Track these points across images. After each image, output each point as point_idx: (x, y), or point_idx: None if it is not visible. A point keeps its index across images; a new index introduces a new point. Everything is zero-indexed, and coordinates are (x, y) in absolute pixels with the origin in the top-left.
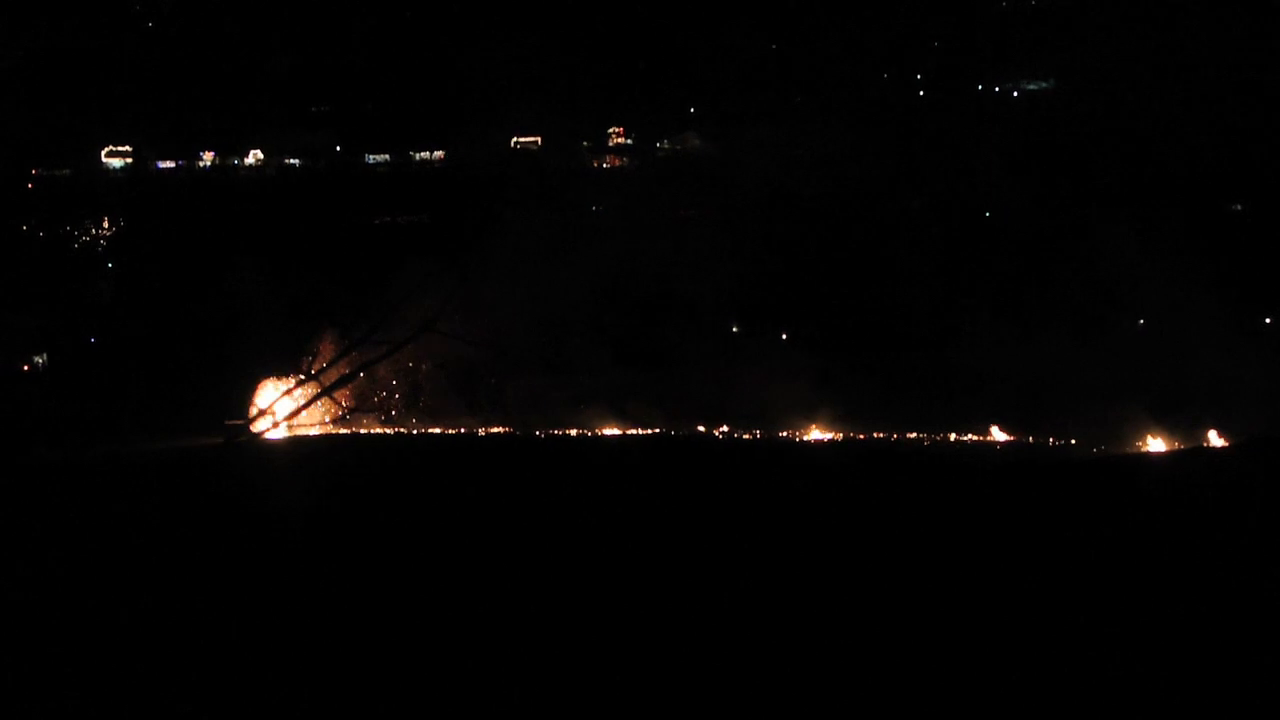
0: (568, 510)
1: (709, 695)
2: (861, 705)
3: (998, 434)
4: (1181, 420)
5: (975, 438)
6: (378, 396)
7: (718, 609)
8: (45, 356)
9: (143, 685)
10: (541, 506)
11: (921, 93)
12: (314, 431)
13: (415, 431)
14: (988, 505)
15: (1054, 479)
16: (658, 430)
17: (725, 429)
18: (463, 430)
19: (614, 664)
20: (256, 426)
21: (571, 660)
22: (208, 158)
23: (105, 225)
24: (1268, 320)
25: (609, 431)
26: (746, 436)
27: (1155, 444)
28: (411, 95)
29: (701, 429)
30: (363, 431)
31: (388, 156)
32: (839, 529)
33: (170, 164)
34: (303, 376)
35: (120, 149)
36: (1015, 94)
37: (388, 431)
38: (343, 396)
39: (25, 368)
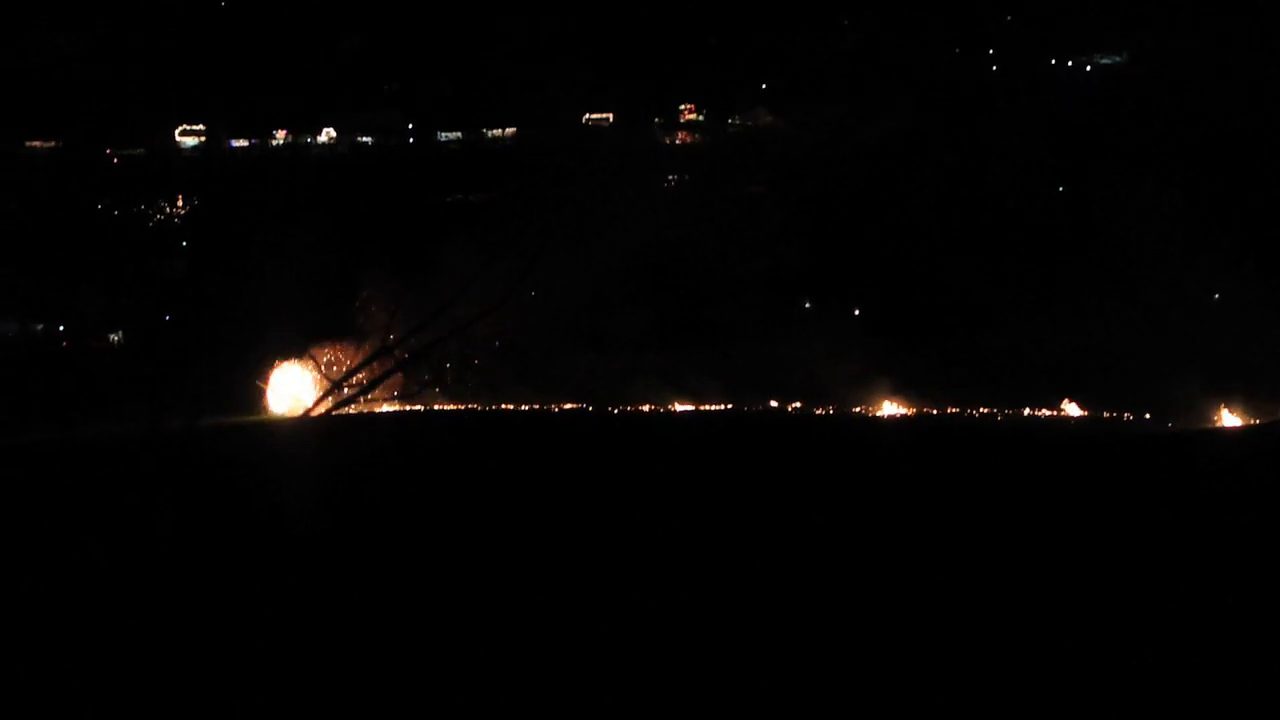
0: (657, 488)
1: (811, 658)
2: (966, 669)
3: (1070, 409)
4: (1249, 395)
5: (1048, 413)
6: (435, 374)
7: (813, 582)
8: (120, 334)
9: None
10: (639, 484)
11: (994, 67)
12: (386, 408)
13: (488, 408)
14: (1069, 481)
15: (1132, 454)
16: (730, 406)
17: (798, 405)
18: (537, 407)
19: (710, 633)
20: (328, 402)
21: (670, 629)
22: (280, 136)
23: (179, 204)
24: None
25: (682, 408)
26: (820, 412)
27: (1229, 419)
28: (482, 73)
29: (774, 404)
30: (441, 408)
31: (459, 134)
32: (922, 504)
33: (243, 142)
34: (382, 350)
35: (194, 128)
36: (1087, 68)
37: (461, 408)
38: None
39: (100, 345)
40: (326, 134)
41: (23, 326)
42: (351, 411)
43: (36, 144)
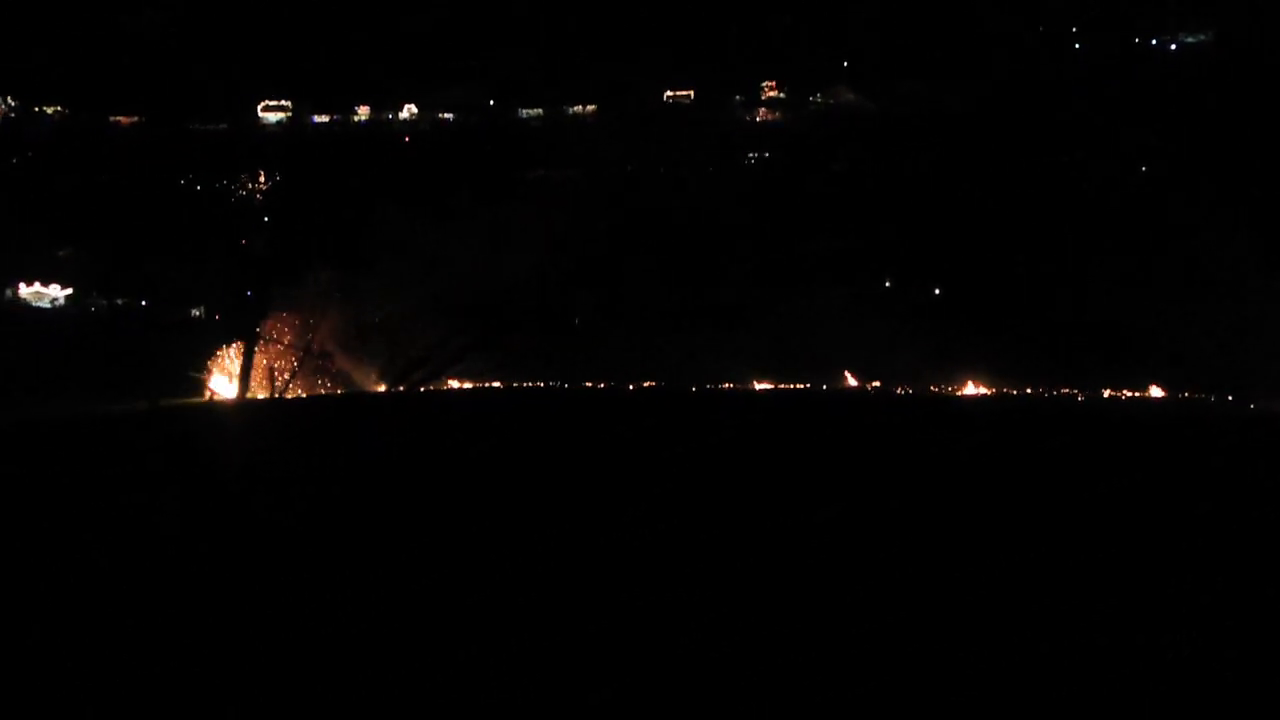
0: (737, 465)
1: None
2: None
3: (1156, 391)
4: None
5: (1132, 393)
6: (521, 349)
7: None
8: (203, 309)
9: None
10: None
11: (1077, 45)
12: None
13: (568, 385)
14: (1153, 462)
15: (1216, 435)
16: (808, 385)
17: (877, 384)
18: (616, 385)
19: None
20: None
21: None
22: (362, 112)
23: (261, 179)
24: None
25: (761, 386)
26: (900, 391)
27: None
28: (564, 49)
29: (853, 382)
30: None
31: (540, 110)
32: (1003, 484)
33: (325, 118)
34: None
35: (276, 103)
36: (1173, 46)
37: (540, 385)
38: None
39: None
40: (408, 110)
41: (104, 299)
42: (456, 386)
43: (121, 120)
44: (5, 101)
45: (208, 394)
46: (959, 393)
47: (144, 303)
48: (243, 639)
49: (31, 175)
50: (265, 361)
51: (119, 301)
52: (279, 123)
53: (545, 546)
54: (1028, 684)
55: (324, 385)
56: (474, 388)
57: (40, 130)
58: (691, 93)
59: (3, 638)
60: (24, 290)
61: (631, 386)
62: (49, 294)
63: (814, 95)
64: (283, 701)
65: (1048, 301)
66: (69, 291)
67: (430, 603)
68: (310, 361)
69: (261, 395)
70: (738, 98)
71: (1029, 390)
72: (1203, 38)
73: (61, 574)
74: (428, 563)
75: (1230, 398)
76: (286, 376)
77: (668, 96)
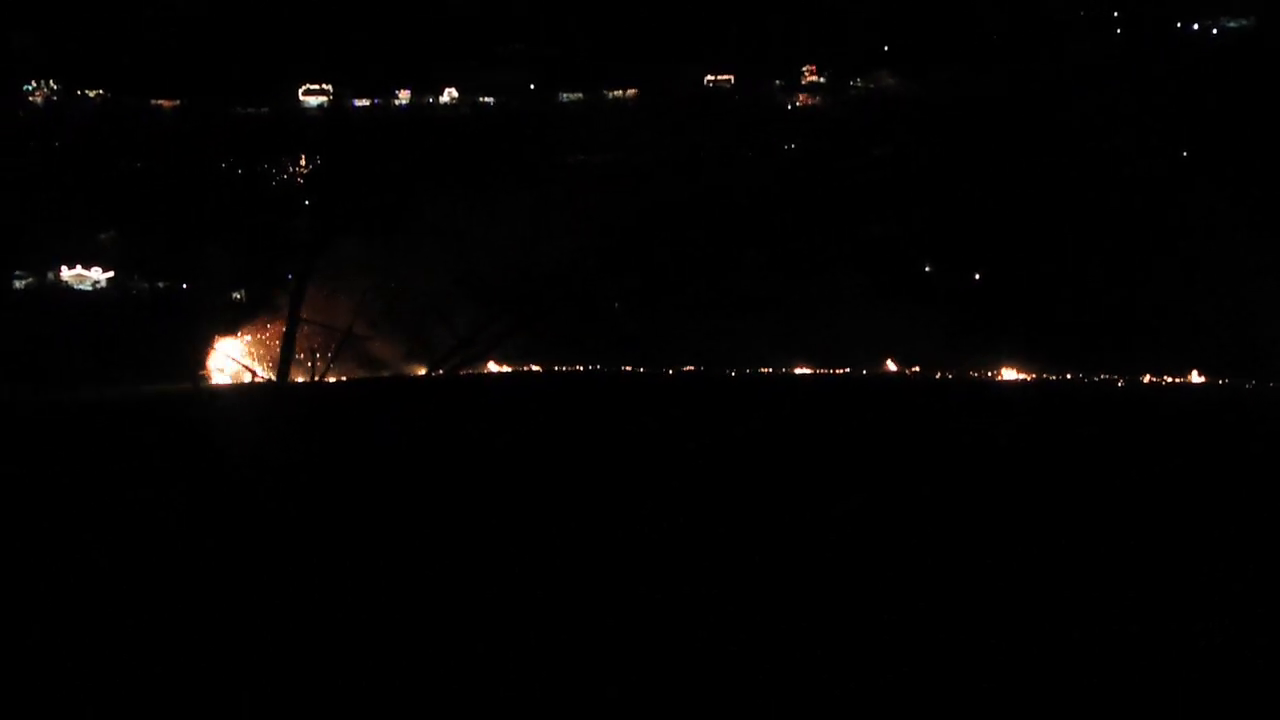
0: (779, 449)
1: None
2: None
3: (1196, 377)
4: None
5: (1173, 379)
6: (559, 333)
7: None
8: (243, 292)
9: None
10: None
11: (1117, 30)
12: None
13: (608, 368)
14: (1201, 449)
15: (1271, 423)
16: (848, 370)
17: (916, 369)
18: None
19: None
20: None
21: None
22: (403, 95)
23: (302, 163)
24: None
25: (801, 371)
26: (938, 376)
27: None
28: (605, 32)
29: (892, 367)
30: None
31: (581, 94)
32: (1044, 468)
33: (365, 102)
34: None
35: (317, 87)
36: (1214, 31)
37: (582, 369)
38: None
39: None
40: (449, 94)
41: (145, 282)
42: (498, 369)
43: (163, 103)
44: (47, 85)
45: (249, 376)
46: (999, 378)
47: (184, 285)
48: (288, 612)
49: (73, 159)
50: (306, 344)
51: (160, 284)
52: (319, 106)
53: (583, 532)
54: (1074, 668)
55: (363, 368)
56: (513, 372)
57: (82, 114)
58: (732, 77)
59: (47, 608)
60: (65, 273)
61: (670, 371)
62: (90, 276)
63: (854, 80)
64: (321, 674)
65: (1088, 286)
66: (110, 274)
67: (469, 586)
68: (349, 344)
69: (301, 378)
70: (778, 82)
71: (1069, 375)
72: (1244, 23)
73: (99, 553)
74: (468, 546)
75: (1273, 384)
76: (326, 359)
77: (708, 80)
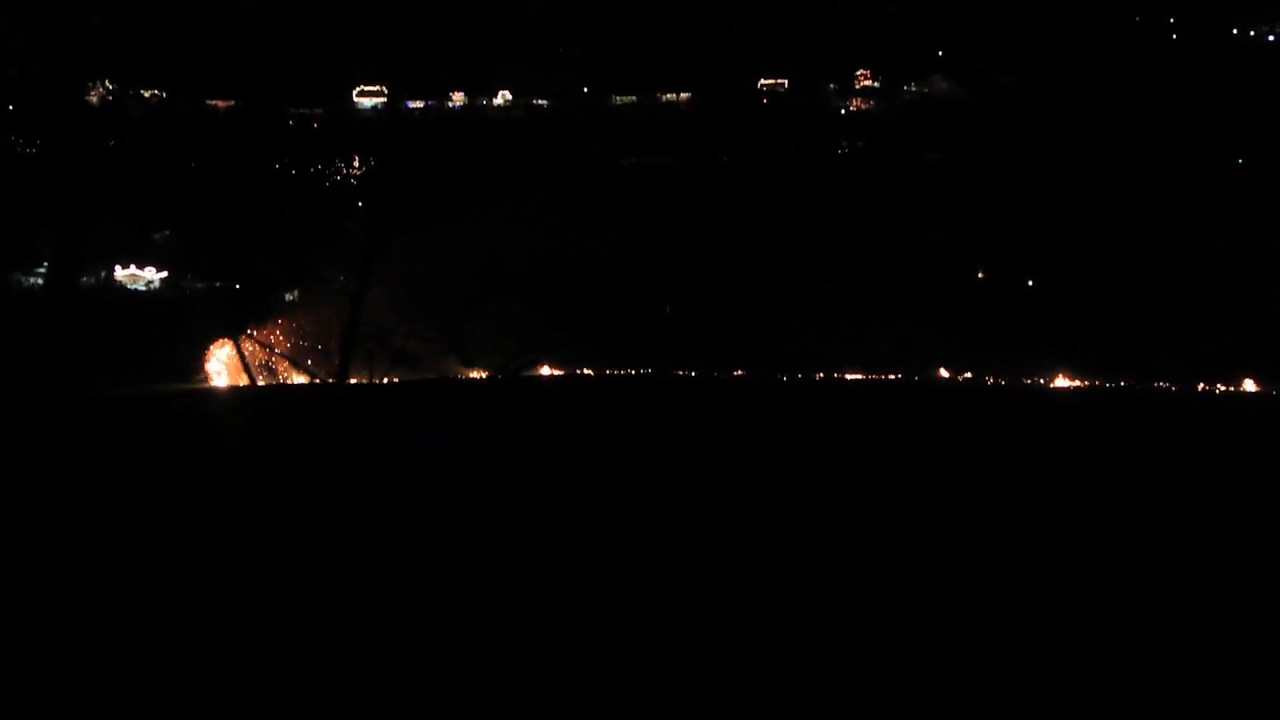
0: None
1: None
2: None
3: (1249, 385)
4: None
5: (1226, 387)
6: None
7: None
8: (296, 293)
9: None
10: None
11: (1174, 36)
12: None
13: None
14: (1254, 458)
15: None
16: (899, 375)
17: (969, 375)
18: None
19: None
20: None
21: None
22: (457, 98)
23: (356, 164)
24: None
25: (852, 376)
26: (990, 383)
27: None
28: (658, 36)
29: (945, 374)
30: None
31: (634, 98)
32: (1093, 477)
33: (419, 104)
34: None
35: (371, 89)
36: (1271, 37)
37: (636, 372)
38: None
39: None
40: (502, 96)
41: (199, 282)
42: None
43: (217, 103)
44: (103, 85)
45: (305, 378)
46: (1051, 385)
47: (238, 286)
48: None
49: (129, 159)
50: (362, 346)
51: (214, 284)
52: (374, 108)
53: (632, 535)
54: (1114, 676)
55: (420, 370)
56: (566, 375)
57: (137, 114)
58: (786, 81)
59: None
60: (119, 272)
61: (721, 375)
62: (144, 276)
63: (908, 84)
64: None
65: (1143, 293)
66: (164, 274)
67: (517, 584)
68: (405, 346)
69: (355, 380)
70: (831, 86)
71: (1122, 383)
72: None
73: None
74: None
75: None
76: (383, 361)
77: (761, 84)
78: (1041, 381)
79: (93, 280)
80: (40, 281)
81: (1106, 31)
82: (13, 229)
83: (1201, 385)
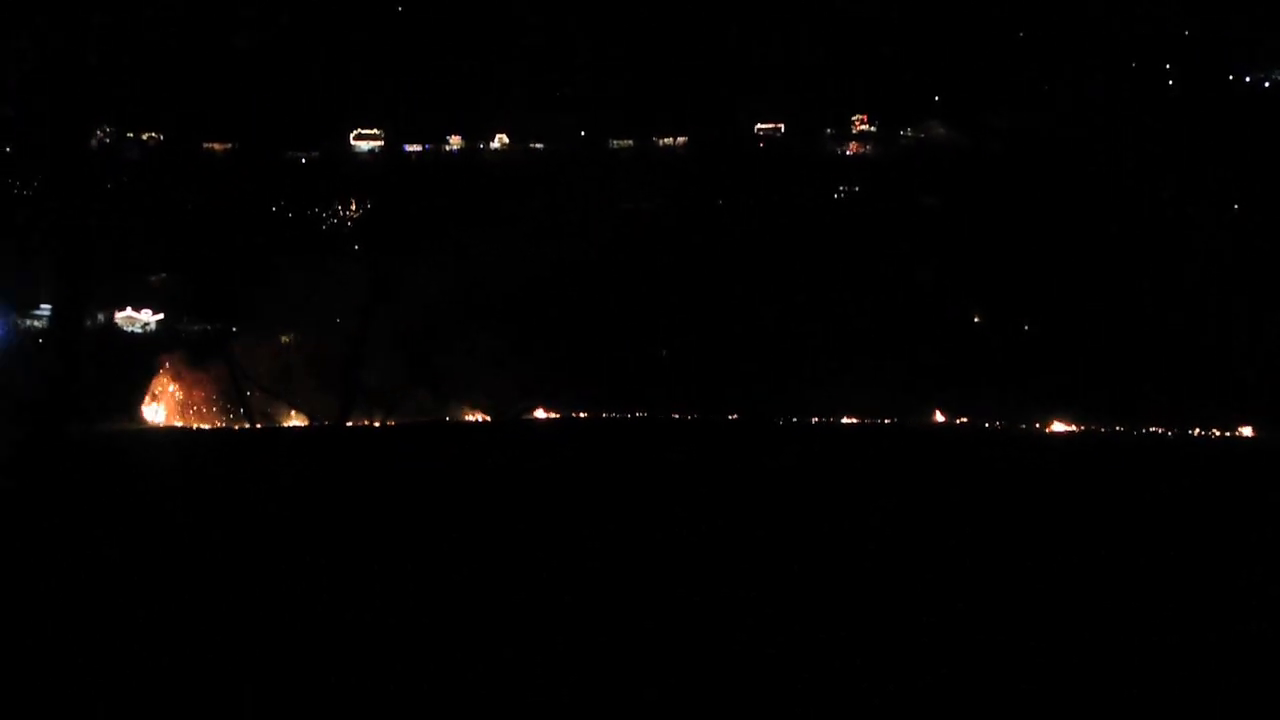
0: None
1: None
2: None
3: (1246, 430)
4: None
5: (1220, 433)
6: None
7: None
8: (294, 335)
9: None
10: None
11: (1170, 82)
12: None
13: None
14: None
15: None
16: (894, 420)
17: (964, 419)
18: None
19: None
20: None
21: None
22: (454, 141)
23: (352, 207)
24: None
25: (848, 420)
26: (986, 426)
27: None
28: (655, 80)
29: (940, 417)
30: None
31: (630, 141)
32: (1097, 524)
33: (417, 147)
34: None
35: (368, 132)
36: (1266, 84)
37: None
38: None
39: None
40: (499, 139)
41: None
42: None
43: (214, 146)
44: (101, 128)
45: (302, 419)
46: (1047, 430)
47: (233, 328)
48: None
49: (125, 201)
50: (364, 386)
51: (209, 326)
52: (371, 151)
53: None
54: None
55: (422, 413)
56: (562, 418)
57: (134, 156)
58: (782, 125)
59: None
60: (117, 315)
61: (717, 418)
62: (140, 318)
63: (904, 129)
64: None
65: (1138, 338)
66: (160, 316)
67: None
68: (407, 389)
69: (356, 422)
70: (828, 130)
71: (1118, 428)
72: None
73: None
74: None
75: None
76: (384, 403)
77: (758, 129)
78: (1038, 426)
79: (91, 322)
80: (37, 324)
81: (1103, 75)
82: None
83: (1197, 430)
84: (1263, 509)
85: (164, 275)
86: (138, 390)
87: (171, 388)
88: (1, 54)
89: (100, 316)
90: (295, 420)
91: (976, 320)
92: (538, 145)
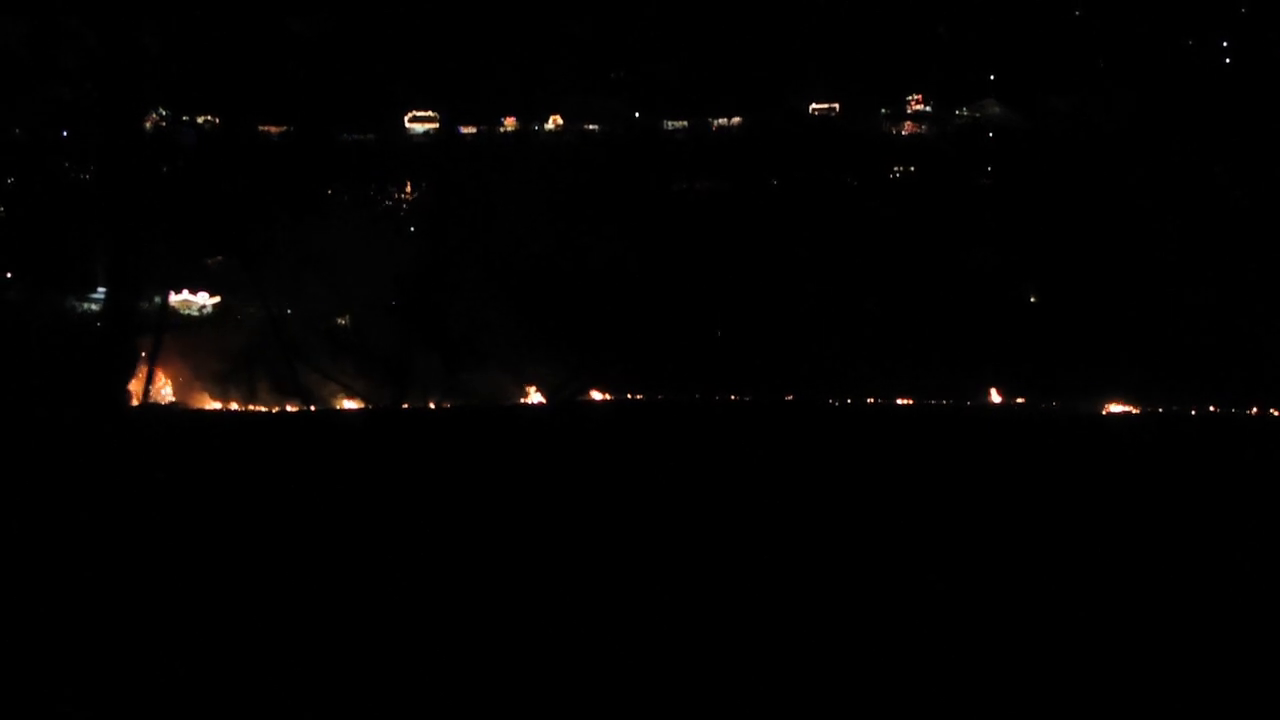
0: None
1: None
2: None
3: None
4: None
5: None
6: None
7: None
8: (348, 318)
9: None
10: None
11: (1227, 60)
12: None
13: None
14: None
15: None
16: (949, 400)
17: (1021, 400)
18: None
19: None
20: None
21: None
22: (509, 123)
23: (408, 190)
24: None
25: (902, 401)
26: (1043, 407)
27: None
28: (710, 60)
29: (997, 399)
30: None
31: (686, 123)
32: (1154, 504)
33: (471, 129)
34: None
35: (423, 114)
36: None
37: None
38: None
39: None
40: (554, 121)
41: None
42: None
43: (270, 129)
44: (157, 111)
45: (356, 403)
46: (1104, 411)
47: (289, 311)
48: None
49: (181, 184)
50: (416, 368)
51: (262, 309)
52: (425, 133)
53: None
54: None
55: (474, 395)
56: (617, 400)
57: (189, 139)
58: (837, 105)
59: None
60: (173, 298)
61: (770, 400)
62: (197, 302)
63: (960, 109)
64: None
65: (1198, 320)
66: (216, 299)
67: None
68: (459, 370)
69: (407, 405)
70: (883, 111)
71: (1175, 408)
72: None
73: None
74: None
75: None
76: (438, 385)
77: (813, 109)
78: (1095, 408)
79: (148, 305)
80: (94, 307)
81: (1162, 59)
82: (67, 252)
83: (1254, 409)
84: None
85: (220, 258)
86: (192, 373)
87: (224, 369)
88: (57, 38)
89: (156, 299)
90: (349, 403)
91: (1032, 300)
92: (592, 127)
